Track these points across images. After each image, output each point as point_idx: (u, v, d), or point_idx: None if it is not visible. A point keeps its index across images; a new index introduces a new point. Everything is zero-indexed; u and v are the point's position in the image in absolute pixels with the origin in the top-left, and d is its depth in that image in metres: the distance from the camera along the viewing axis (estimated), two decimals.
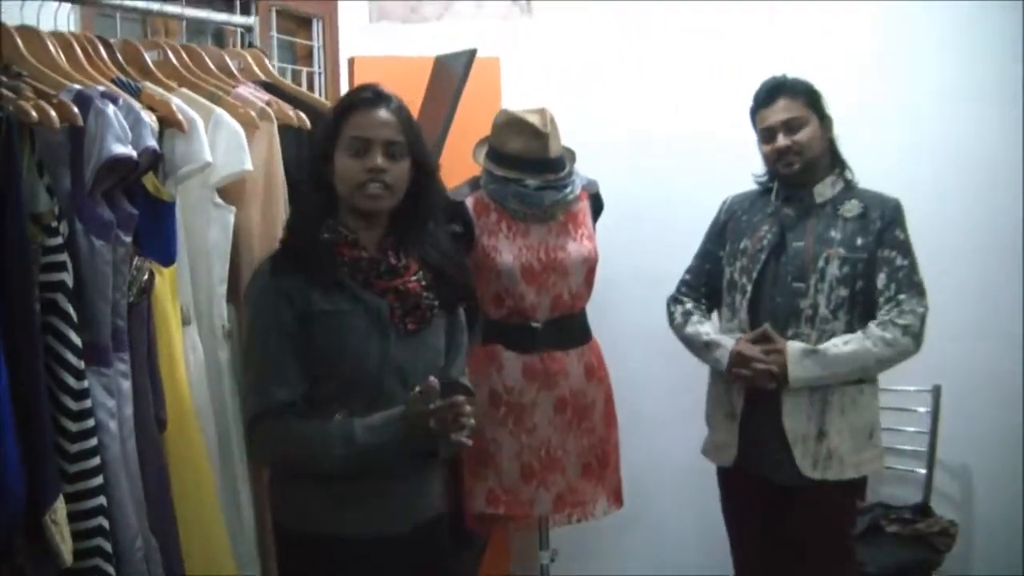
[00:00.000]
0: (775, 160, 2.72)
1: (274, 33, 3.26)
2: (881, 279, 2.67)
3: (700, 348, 2.79)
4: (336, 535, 2.02)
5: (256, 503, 2.20)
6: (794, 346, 2.63)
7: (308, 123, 2.36)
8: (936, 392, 3.39)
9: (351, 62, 3.45)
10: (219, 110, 2.08)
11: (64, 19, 2.13)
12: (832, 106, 2.76)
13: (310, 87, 3.50)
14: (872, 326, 2.65)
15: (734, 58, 3.49)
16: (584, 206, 2.91)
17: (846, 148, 2.78)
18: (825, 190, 2.74)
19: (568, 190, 2.80)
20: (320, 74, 3.54)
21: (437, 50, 3.29)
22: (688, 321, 2.85)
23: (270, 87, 2.46)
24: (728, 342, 2.72)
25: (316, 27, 3.53)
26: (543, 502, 2.83)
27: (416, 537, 2.10)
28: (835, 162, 2.78)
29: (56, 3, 2.07)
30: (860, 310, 2.69)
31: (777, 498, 2.75)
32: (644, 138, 3.57)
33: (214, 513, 2.03)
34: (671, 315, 2.90)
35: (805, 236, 2.71)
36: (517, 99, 3.57)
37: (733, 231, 2.84)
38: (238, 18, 2.57)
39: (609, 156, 3.43)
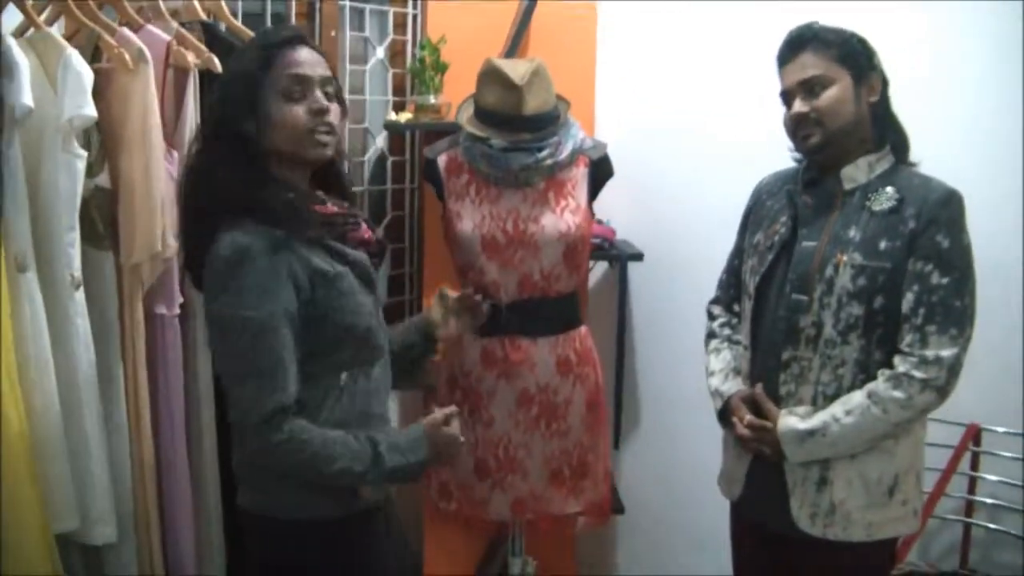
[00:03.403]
0: (793, 133, 2.15)
1: None
2: (908, 299, 2.04)
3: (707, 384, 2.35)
4: (311, 519, 1.85)
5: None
6: (787, 427, 2.10)
7: (217, 67, 2.21)
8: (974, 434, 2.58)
9: (426, 6, 3.22)
10: (70, 51, 1.98)
11: None
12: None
13: (403, 30, 3.33)
14: (880, 383, 2.04)
15: None
16: (577, 174, 2.48)
17: None
18: (857, 173, 2.12)
19: (545, 153, 2.40)
20: (414, 16, 3.35)
21: None
22: (708, 344, 2.40)
23: (207, 27, 2.33)
24: (726, 391, 2.25)
25: None
26: (499, 505, 2.52)
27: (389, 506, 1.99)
28: (883, 136, 2.14)
29: None
30: (881, 333, 2.07)
31: (781, 549, 2.23)
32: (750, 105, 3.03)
33: (24, 471, 1.96)
34: (706, 326, 2.45)
35: (820, 234, 2.13)
36: (615, 50, 3.22)
37: (755, 220, 2.31)
38: None
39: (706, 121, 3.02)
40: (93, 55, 2.13)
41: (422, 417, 1.90)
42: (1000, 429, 2.83)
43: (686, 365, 2.75)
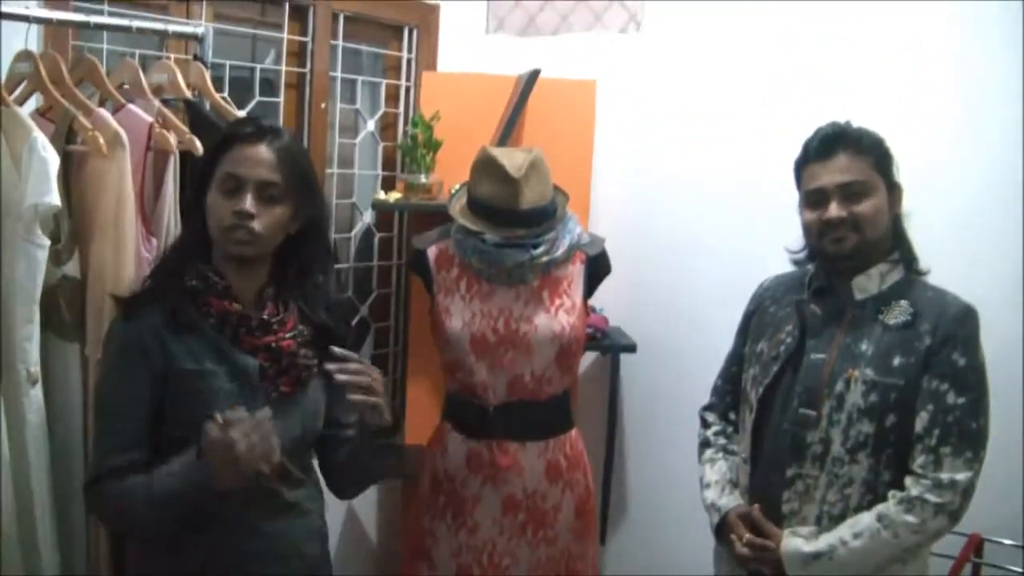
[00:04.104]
0: (820, 234, 2.01)
1: (339, 42, 3.03)
2: (922, 419, 1.93)
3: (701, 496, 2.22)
4: None
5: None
6: (791, 549, 1.97)
7: (199, 149, 2.09)
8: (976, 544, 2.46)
9: (420, 78, 3.13)
10: (36, 133, 1.87)
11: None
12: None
13: (396, 102, 3.24)
14: (891, 505, 1.93)
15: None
16: (573, 271, 2.36)
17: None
18: (869, 284, 2.02)
19: (540, 250, 2.28)
20: (407, 88, 3.26)
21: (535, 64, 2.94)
22: (702, 453, 2.27)
23: (190, 105, 2.22)
24: (724, 506, 2.12)
25: (407, 36, 3.24)
26: None
27: None
28: (894, 245, 2.05)
29: None
30: (891, 452, 1.96)
31: None
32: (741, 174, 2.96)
33: None
34: (699, 434, 2.32)
35: (830, 346, 2.02)
36: (617, 124, 3.15)
37: (757, 326, 2.19)
38: (186, 28, 2.34)
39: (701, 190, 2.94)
40: (68, 135, 2.01)
41: None
42: (1005, 541, 2.72)
43: (677, 458, 2.63)
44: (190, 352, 1.77)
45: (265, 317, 1.82)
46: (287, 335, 1.84)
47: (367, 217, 3.22)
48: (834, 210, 1.97)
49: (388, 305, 3.31)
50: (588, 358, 3.20)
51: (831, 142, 2.01)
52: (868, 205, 1.97)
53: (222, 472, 1.64)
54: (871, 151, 2.00)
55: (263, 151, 1.78)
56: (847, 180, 1.97)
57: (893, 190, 2.02)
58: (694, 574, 2.29)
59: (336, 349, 1.80)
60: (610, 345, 2.99)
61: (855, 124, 2.04)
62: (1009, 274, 2.73)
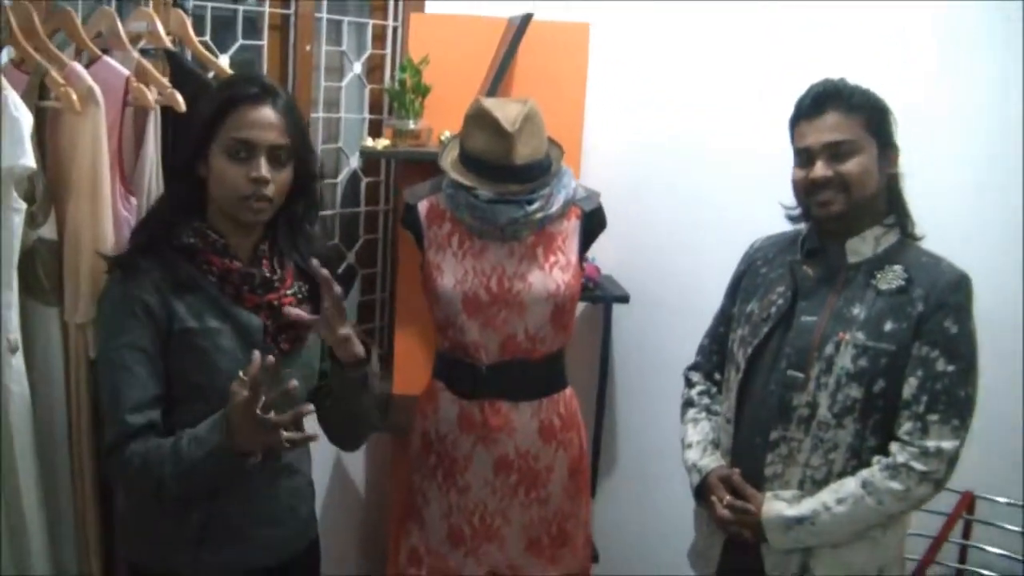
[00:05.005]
0: (807, 194, 1.99)
1: None
2: (911, 385, 1.91)
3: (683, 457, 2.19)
4: (194, 573, 1.83)
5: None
6: (772, 513, 1.96)
7: (180, 105, 2.01)
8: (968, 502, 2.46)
9: (408, 19, 3.02)
10: (6, 92, 1.77)
11: None
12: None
13: (383, 43, 3.13)
14: (876, 471, 1.92)
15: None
16: (568, 227, 2.30)
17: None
18: (863, 246, 1.98)
19: (535, 206, 2.22)
20: (395, 28, 3.15)
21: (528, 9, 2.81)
22: (685, 413, 2.26)
23: (171, 56, 2.13)
24: (704, 467, 2.10)
25: None
26: (473, 574, 2.35)
27: (284, 571, 1.91)
28: (890, 208, 2.00)
29: None
30: (878, 418, 1.94)
31: None
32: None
33: None
34: (683, 393, 2.30)
35: (821, 308, 1.98)
36: (611, 70, 3.05)
37: (747, 287, 2.16)
38: None
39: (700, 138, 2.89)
40: (41, 90, 1.92)
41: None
42: (999, 499, 2.72)
43: (668, 410, 2.60)
44: (192, 310, 1.77)
45: (267, 275, 1.82)
46: (288, 292, 1.84)
47: (353, 162, 3.13)
48: (819, 169, 1.94)
49: (375, 251, 3.24)
50: (579, 308, 3.15)
51: (820, 100, 1.97)
52: (854, 164, 1.93)
53: (246, 432, 1.61)
54: (862, 109, 1.95)
55: (270, 114, 1.76)
56: (834, 139, 1.93)
57: (887, 150, 1.97)
58: (684, 526, 2.26)
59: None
60: (602, 295, 2.94)
61: (851, 81, 1.99)
62: (1009, 269, 2.69)
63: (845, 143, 1.93)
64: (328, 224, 3.10)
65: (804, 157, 1.98)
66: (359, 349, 1.83)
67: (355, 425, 1.99)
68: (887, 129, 1.97)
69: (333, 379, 1.91)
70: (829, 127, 1.94)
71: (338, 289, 1.78)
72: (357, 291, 3.23)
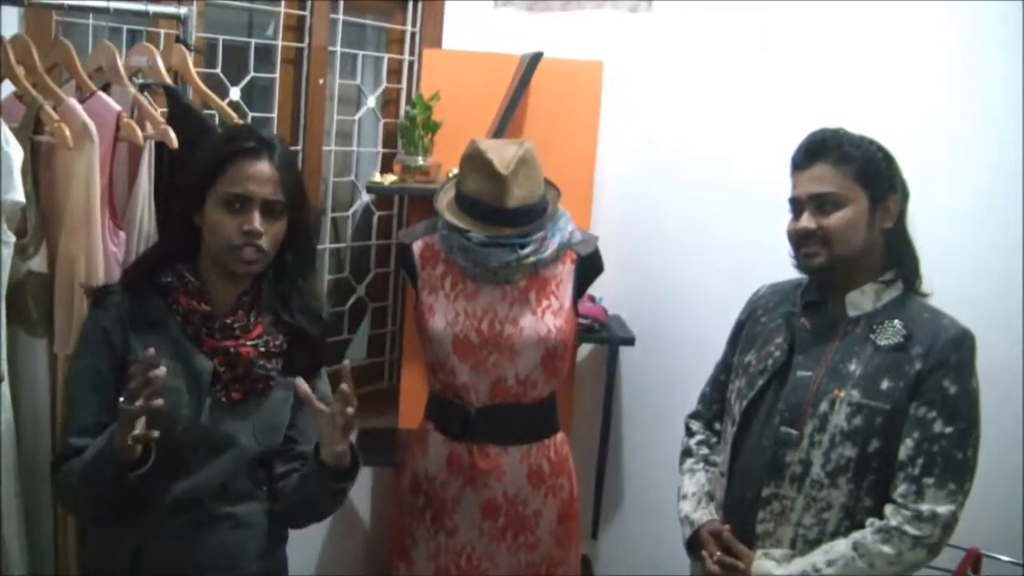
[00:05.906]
0: (796, 245, 1.96)
1: (339, 16, 2.93)
2: (907, 446, 1.85)
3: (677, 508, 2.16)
4: None
5: None
6: (761, 572, 1.92)
7: (173, 142, 2.02)
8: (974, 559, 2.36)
9: (422, 55, 3.03)
10: None
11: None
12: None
13: (399, 77, 3.15)
14: (868, 534, 1.85)
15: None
16: (563, 271, 2.28)
17: None
18: (863, 301, 1.93)
19: (528, 250, 2.20)
20: (411, 63, 3.16)
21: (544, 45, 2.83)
22: (683, 463, 2.22)
23: (170, 92, 2.15)
24: (696, 520, 2.06)
25: (411, 9, 3.14)
26: None
27: None
28: (891, 263, 1.95)
29: None
30: (873, 478, 1.89)
31: None
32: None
33: None
34: (683, 441, 2.26)
35: (818, 363, 1.93)
36: (625, 106, 3.04)
37: (747, 336, 2.12)
38: (168, 8, 2.26)
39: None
40: (37, 124, 1.94)
41: None
42: (1003, 557, 2.63)
43: (673, 452, 2.56)
44: (147, 345, 1.71)
45: (228, 321, 1.81)
46: (248, 342, 1.82)
47: (366, 195, 3.14)
48: (803, 220, 1.92)
49: (386, 284, 3.24)
50: (586, 349, 3.13)
51: (812, 151, 1.94)
52: (837, 218, 1.89)
53: (121, 430, 1.59)
54: (853, 161, 1.90)
55: (266, 168, 1.78)
56: (819, 191, 1.90)
57: (881, 203, 1.91)
58: (687, 570, 2.21)
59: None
60: (608, 337, 2.91)
61: (854, 129, 1.95)
62: (1010, 277, 2.59)
63: (830, 195, 1.88)
64: (341, 256, 3.11)
65: (794, 207, 1.96)
66: (347, 461, 1.75)
67: (304, 513, 1.90)
68: (882, 181, 1.91)
69: (307, 469, 1.81)
70: (816, 178, 1.90)
71: (354, 405, 1.69)
72: (367, 324, 3.23)
